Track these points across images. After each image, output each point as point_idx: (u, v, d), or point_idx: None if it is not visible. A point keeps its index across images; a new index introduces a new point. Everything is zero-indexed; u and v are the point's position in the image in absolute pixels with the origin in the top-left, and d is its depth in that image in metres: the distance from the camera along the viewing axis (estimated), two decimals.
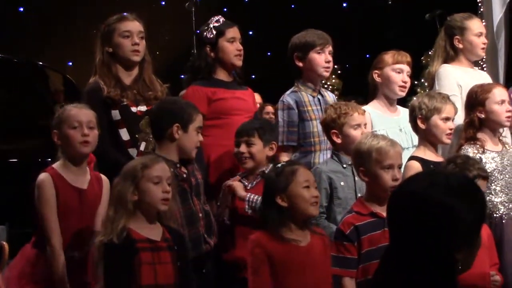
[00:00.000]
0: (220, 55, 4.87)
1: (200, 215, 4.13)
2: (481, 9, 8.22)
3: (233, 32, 4.91)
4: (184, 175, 4.08)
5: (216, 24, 4.87)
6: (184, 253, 3.65)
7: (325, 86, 10.15)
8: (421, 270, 2.24)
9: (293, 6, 11.11)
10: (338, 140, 4.44)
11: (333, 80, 10.37)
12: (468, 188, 2.32)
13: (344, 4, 11.20)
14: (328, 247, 3.78)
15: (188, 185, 4.10)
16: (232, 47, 4.88)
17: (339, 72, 10.58)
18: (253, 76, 10.68)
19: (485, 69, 8.13)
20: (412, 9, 8.39)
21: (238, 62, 4.91)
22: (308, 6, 10.68)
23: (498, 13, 7.78)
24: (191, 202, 4.09)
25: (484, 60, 8.21)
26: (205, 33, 4.89)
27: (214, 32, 4.85)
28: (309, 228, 3.73)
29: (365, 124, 4.55)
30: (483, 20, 8.18)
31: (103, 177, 4.01)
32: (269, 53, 9.82)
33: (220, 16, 4.95)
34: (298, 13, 10.67)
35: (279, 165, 3.82)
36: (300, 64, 4.98)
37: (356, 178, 4.31)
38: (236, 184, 4.36)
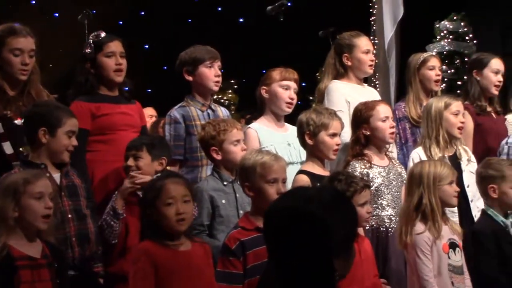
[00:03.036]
0: (99, 71, 4.79)
1: (70, 216, 4.06)
2: (374, 27, 8.46)
3: (113, 46, 4.82)
4: (48, 174, 4.00)
5: (95, 39, 4.80)
6: (63, 269, 3.60)
7: (221, 100, 10.21)
8: (300, 283, 2.29)
9: (189, 20, 11.14)
10: (218, 157, 4.46)
11: (229, 95, 10.44)
12: (340, 201, 2.40)
13: (241, 20, 11.31)
14: (210, 254, 3.83)
15: (56, 186, 4.02)
16: (111, 62, 4.79)
17: (235, 87, 10.66)
18: (149, 90, 10.65)
19: (377, 86, 8.38)
20: (307, 26, 8.54)
21: (117, 78, 4.81)
22: (205, 20, 10.73)
23: (389, 32, 8.03)
24: (59, 202, 4.01)
25: (377, 77, 8.46)
26: (84, 49, 4.82)
27: (93, 47, 4.79)
28: (189, 237, 3.76)
29: (244, 140, 4.59)
30: (376, 38, 8.43)
31: None
32: (165, 67, 9.79)
33: (101, 31, 4.86)
34: (194, 27, 10.70)
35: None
36: (190, 78, 5.01)
37: (237, 195, 4.36)
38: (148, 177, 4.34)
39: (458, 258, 4.38)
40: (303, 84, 7.02)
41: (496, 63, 5.93)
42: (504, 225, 4.62)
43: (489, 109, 5.90)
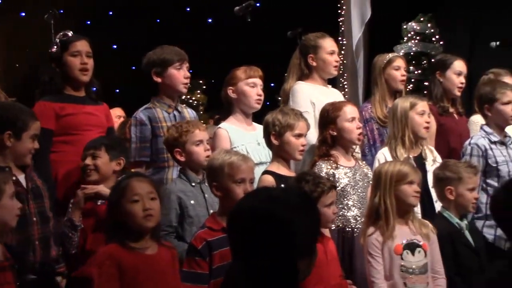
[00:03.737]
0: (64, 70, 4.81)
1: (35, 219, 4.06)
2: (342, 28, 8.53)
3: (79, 45, 4.85)
4: (14, 178, 4.00)
5: (62, 39, 4.81)
6: (25, 271, 3.58)
7: (190, 101, 10.22)
8: (264, 283, 2.32)
9: (158, 20, 11.12)
10: (182, 158, 4.49)
11: (198, 95, 10.44)
12: (305, 202, 2.43)
13: (209, 20, 11.32)
14: (176, 259, 3.83)
15: (23, 188, 4.04)
16: (76, 61, 4.82)
17: (204, 87, 10.68)
18: (118, 90, 10.61)
19: (346, 87, 8.44)
20: (276, 26, 8.58)
21: (83, 77, 4.84)
22: (173, 20, 10.72)
23: (357, 33, 8.09)
24: (26, 204, 4.00)
25: (345, 77, 8.53)
26: (50, 48, 4.83)
27: (59, 46, 4.79)
28: (156, 239, 3.76)
29: (207, 140, 4.61)
30: (344, 39, 8.50)
31: None
32: (133, 67, 9.76)
33: (69, 30, 4.88)
34: (163, 27, 10.69)
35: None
36: (159, 80, 5.01)
37: (206, 195, 4.38)
38: (99, 186, 4.35)
39: (418, 258, 4.39)
40: (272, 84, 7.07)
41: (459, 65, 5.99)
42: (459, 227, 4.68)
43: (451, 110, 5.97)
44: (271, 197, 2.39)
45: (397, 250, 4.38)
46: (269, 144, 4.78)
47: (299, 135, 4.70)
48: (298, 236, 2.31)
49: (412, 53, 8.79)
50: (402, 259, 4.37)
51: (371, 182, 4.74)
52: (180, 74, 5.02)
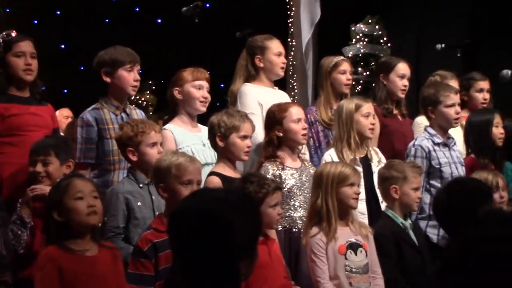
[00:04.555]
0: (8, 70, 4.78)
1: None
2: (291, 30, 8.58)
3: (23, 46, 4.82)
4: None
5: (5, 38, 4.77)
6: None
7: (139, 102, 10.19)
8: (205, 284, 2.35)
9: (107, 20, 11.06)
10: (134, 158, 4.48)
11: (147, 96, 10.40)
12: (245, 203, 2.47)
13: (159, 20, 11.29)
14: (119, 259, 3.83)
15: None
16: (20, 61, 4.79)
17: (153, 87, 10.64)
18: (65, 91, 10.52)
19: (295, 88, 8.50)
20: (225, 27, 8.62)
21: (27, 77, 4.82)
22: (122, 20, 10.67)
23: (306, 34, 8.14)
24: None
25: (295, 78, 8.58)
26: None
27: (1, 47, 4.76)
28: (97, 240, 3.76)
29: (161, 143, 4.63)
30: (293, 40, 8.55)
31: None
32: (81, 68, 9.70)
33: (12, 30, 4.84)
34: (112, 27, 10.63)
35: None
36: (108, 80, 5.01)
37: (154, 197, 4.38)
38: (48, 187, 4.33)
39: (360, 258, 4.46)
40: (222, 85, 7.10)
41: (402, 68, 6.07)
42: (403, 227, 4.76)
43: (395, 111, 6.06)
44: (212, 197, 2.42)
45: (341, 250, 4.43)
46: (214, 145, 4.81)
47: (245, 137, 4.74)
48: (239, 236, 2.34)
49: (360, 55, 8.87)
50: (346, 258, 4.43)
51: None
52: (130, 76, 5.01)
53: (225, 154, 4.74)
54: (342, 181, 4.49)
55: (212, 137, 4.78)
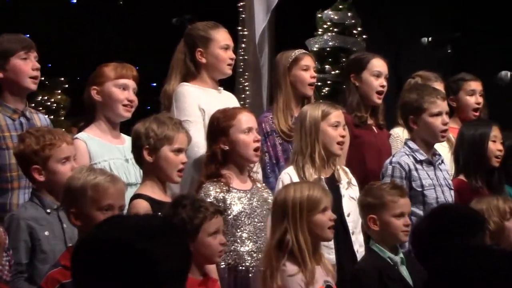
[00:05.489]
0: None
1: None
2: (243, 16, 8.58)
3: None
4: None
5: None
6: None
7: (47, 103, 10.07)
8: None
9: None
10: (41, 178, 4.46)
11: (58, 96, 10.24)
12: (171, 231, 2.46)
13: (73, 0, 11.21)
14: None
15: None
16: None
17: (65, 86, 10.50)
18: None
19: (247, 88, 8.50)
20: (158, 12, 8.61)
21: None
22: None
23: (261, 22, 8.11)
24: None
25: (246, 77, 8.57)
26: None
27: None
28: None
29: (75, 156, 4.60)
30: (245, 30, 8.55)
31: None
32: None
33: None
34: (9, 9, 10.53)
35: None
36: (0, 75, 4.98)
37: (65, 225, 4.37)
38: None
39: None
40: (154, 84, 7.09)
41: (377, 64, 6.08)
42: (392, 263, 4.76)
43: (370, 121, 6.06)
44: (128, 224, 2.42)
45: None
46: (139, 161, 4.78)
47: (179, 150, 4.72)
48: (161, 273, 2.33)
49: (328, 49, 8.86)
50: None
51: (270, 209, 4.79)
52: (27, 65, 5.01)
53: (154, 171, 4.71)
54: (312, 208, 4.50)
55: (137, 150, 4.75)
